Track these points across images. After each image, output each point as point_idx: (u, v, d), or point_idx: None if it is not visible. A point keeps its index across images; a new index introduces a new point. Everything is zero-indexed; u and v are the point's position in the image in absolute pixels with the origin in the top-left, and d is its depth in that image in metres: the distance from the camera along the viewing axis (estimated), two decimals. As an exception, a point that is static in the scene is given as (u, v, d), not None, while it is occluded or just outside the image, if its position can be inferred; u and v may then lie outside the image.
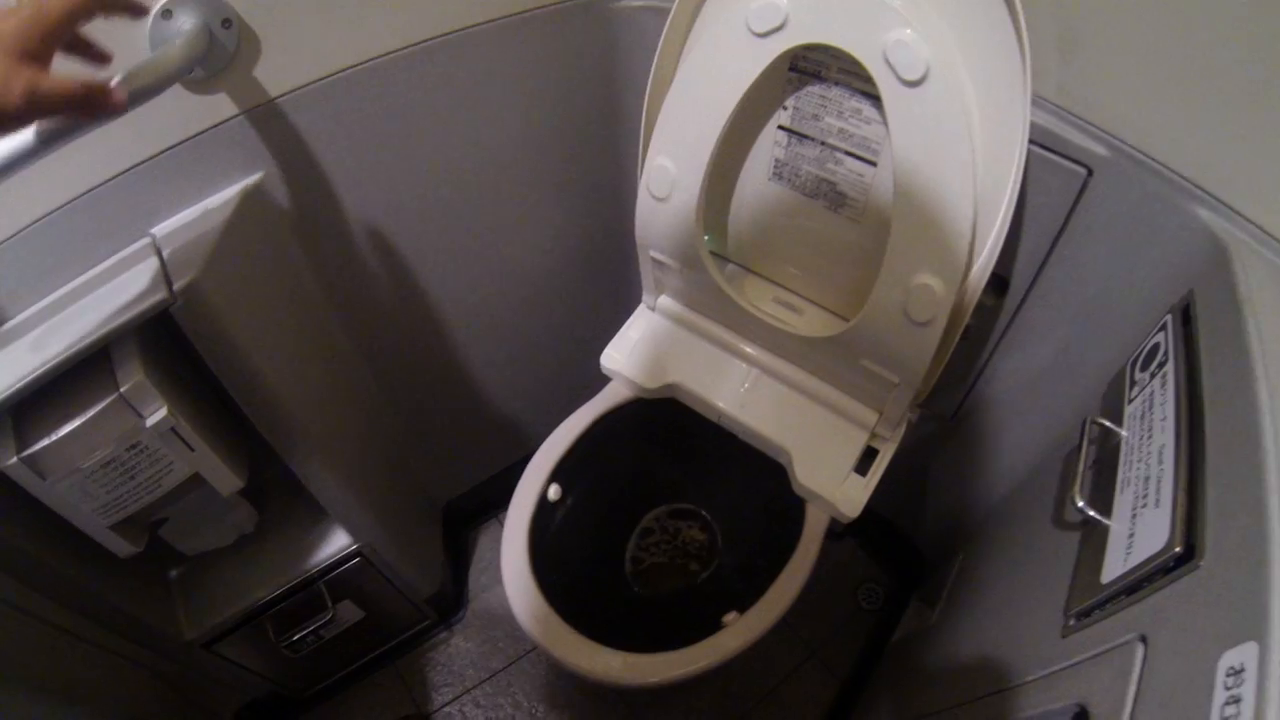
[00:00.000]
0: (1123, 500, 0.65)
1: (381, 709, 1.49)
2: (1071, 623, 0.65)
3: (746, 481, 1.18)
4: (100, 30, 0.58)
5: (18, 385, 0.71)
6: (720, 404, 1.09)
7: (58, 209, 0.75)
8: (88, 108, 0.52)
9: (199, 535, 1.04)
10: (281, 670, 1.32)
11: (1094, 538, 0.68)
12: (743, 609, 0.98)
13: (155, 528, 0.97)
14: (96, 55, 0.59)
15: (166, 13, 0.69)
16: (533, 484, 1.10)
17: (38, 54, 0.49)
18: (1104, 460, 0.73)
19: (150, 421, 0.80)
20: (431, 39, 0.89)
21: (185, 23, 0.70)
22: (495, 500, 1.71)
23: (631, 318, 1.18)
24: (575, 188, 1.21)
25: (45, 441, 0.77)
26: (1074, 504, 0.69)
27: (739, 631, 0.96)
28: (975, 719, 0.76)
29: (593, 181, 1.21)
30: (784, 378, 1.08)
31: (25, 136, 0.54)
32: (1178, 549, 0.53)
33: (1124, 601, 0.58)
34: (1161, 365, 0.69)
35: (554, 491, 1.11)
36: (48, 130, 0.54)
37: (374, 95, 0.89)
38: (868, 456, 1.04)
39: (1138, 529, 0.60)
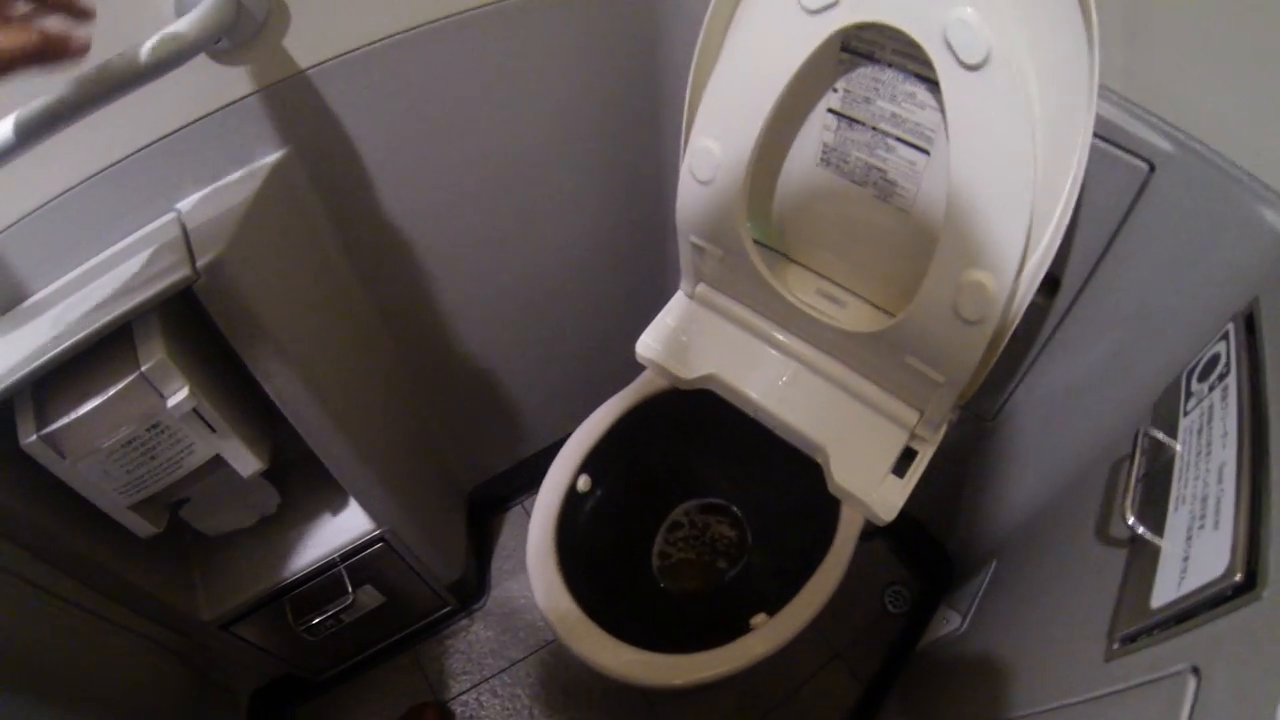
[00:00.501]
0: (1176, 520, 0.62)
1: (398, 694, 1.48)
2: (1116, 646, 0.62)
3: (780, 479, 1.15)
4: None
5: (39, 363, 0.70)
6: (757, 397, 1.07)
7: (81, 183, 0.74)
8: (47, 57, 0.49)
9: (220, 516, 1.04)
10: (299, 653, 1.32)
11: (1143, 557, 0.65)
12: (771, 611, 0.96)
13: (176, 508, 0.97)
14: (77, 10, 0.56)
15: (193, -21, 0.67)
16: (562, 474, 1.08)
17: None
18: (1155, 475, 0.70)
19: (172, 401, 0.79)
20: (466, 10, 0.86)
21: (213, -11, 0.68)
22: (521, 487, 1.70)
23: (668, 305, 1.15)
24: (613, 168, 1.18)
25: (65, 420, 0.76)
26: (1123, 519, 0.66)
27: (766, 636, 0.94)
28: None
29: (632, 162, 1.19)
30: (824, 372, 1.05)
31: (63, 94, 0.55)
32: (1238, 577, 0.50)
33: (1175, 629, 0.55)
34: (1222, 377, 0.65)
35: (583, 482, 1.09)
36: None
37: (407, 68, 0.87)
38: (906, 457, 1.02)
39: (1193, 552, 0.57)
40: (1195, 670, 0.50)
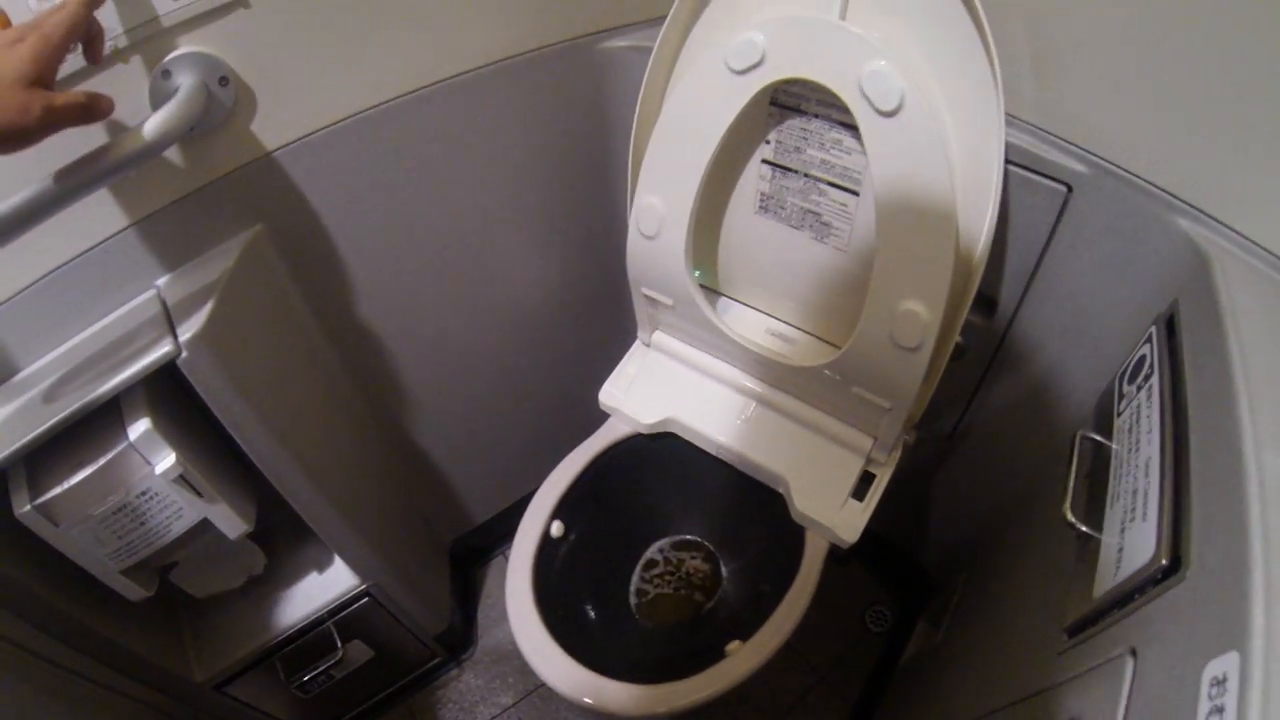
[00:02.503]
0: (1113, 514, 0.65)
1: (393, 748, 1.48)
2: (1067, 639, 0.65)
3: (747, 511, 1.18)
4: (103, 85, 0.66)
5: (30, 436, 0.73)
6: (717, 436, 1.10)
7: (66, 264, 0.77)
8: (91, 114, 0.60)
9: (209, 578, 1.05)
10: (293, 711, 1.32)
11: (1087, 553, 0.68)
12: (746, 637, 0.99)
13: (165, 572, 0.99)
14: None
15: (165, 73, 0.72)
16: (535, 521, 1.11)
17: (46, 79, 0.56)
18: (1096, 474, 0.73)
19: (160, 469, 0.82)
20: (421, 88, 0.91)
21: (183, 82, 0.73)
22: (502, 537, 1.72)
23: (628, 354, 1.20)
24: (569, 227, 1.23)
25: (58, 490, 0.78)
26: (1065, 519, 0.69)
27: (743, 659, 0.96)
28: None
29: (586, 220, 1.24)
30: (779, 407, 1.09)
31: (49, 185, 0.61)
32: (1164, 561, 0.53)
33: (1115, 616, 0.58)
34: (1148, 377, 0.69)
35: (556, 528, 1.12)
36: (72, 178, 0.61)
37: (368, 144, 0.91)
38: (865, 481, 1.05)
39: (1127, 542, 0.60)
40: (1133, 651, 0.53)
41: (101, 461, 0.79)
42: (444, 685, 1.55)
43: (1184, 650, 0.47)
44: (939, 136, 0.73)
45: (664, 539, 1.27)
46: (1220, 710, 0.41)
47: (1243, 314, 0.61)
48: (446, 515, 1.57)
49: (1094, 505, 0.70)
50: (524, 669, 1.52)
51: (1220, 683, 0.42)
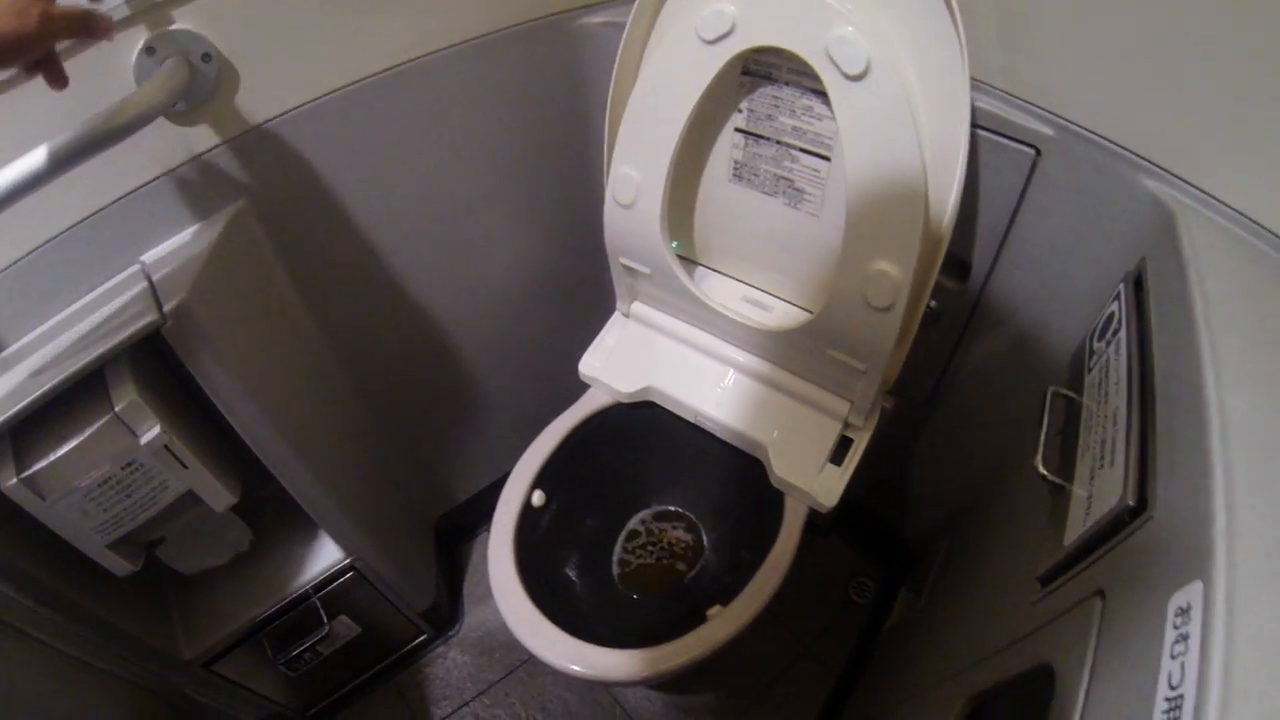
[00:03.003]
0: (1083, 465, 0.68)
1: (381, 726, 1.49)
2: (1040, 588, 0.67)
3: (728, 479, 1.20)
4: (88, 60, 0.66)
5: (16, 409, 0.73)
6: (696, 404, 1.12)
7: (51, 240, 0.78)
8: (88, 29, 0.61)
9: (195, 555, 1.06)
10: (281, 689, 1.33)
11: (1059, 504, 0.70)
12: (727, 602, 1.00)
13: (152, 548, 0.99)
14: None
15: (149, 50, 0.73)
16: (516, 491, 1.12)
17: None
18: (1068, 429, 0.75)
19: (145, 440, 0.82)
20: (401, 64, 0.92)
21: (167, 58, 0.74)
22: (485, 514, 1.67)
23: (607, 325, 1.21)
24: (548, 200, 1.24)
25: (44, 462, 0.79)
26: (1037, 472, 0.71)
27: (724, 622, 0.98)
28: (958, 691, 0.77)
29: (564, 192, 1.25)
30: (757, 374, 1.10)
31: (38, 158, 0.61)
32: (1130, 503, 0.55)
33: (1085, 561, 0.60)
34: (1116, 333, 0.71)
35: (537, 498, 1.13)
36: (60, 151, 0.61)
37: (348, 119, 0.92)
38: (843, 446, 1.07)
39: (1095, 490, 0.62)
40: (1100, 593, 0.55)
41: (87, 433, 0.80)
42: (430, 663, 1.56)
43: (1150, 586, 0.49)
44: (905, 99, 0.75)
45: (645, 510, 1.28)
46: (1185, 638, 0.43)
47: (1206, 267, 0.63)
48: (430, 492, 1.58)
49: (1065, 459, 0.72)
50: (510, 645, 1.55)
51: (1185, 612, 0.44)
